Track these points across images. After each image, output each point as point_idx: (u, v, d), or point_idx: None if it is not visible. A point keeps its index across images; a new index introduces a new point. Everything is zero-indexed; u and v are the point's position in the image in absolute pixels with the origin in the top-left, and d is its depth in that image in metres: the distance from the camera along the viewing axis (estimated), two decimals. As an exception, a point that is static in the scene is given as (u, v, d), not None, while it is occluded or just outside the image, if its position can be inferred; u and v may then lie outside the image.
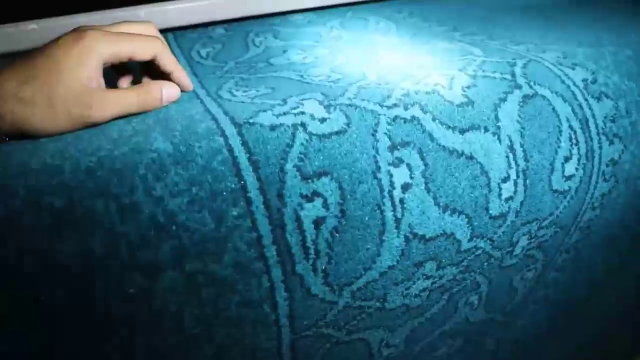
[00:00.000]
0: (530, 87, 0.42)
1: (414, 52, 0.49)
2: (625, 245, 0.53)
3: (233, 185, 0.32)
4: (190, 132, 0.34)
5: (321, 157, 0.35)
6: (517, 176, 0.40)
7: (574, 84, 0.43)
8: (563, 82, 0.43)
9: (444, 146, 0.38)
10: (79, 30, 0.34)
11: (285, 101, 0.38)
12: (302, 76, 0.44)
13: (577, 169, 0.43)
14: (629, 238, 0.52)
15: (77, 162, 0.31)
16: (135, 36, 0.36)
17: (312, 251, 0.35)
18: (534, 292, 0.50)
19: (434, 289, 0.42)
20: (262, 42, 0.56)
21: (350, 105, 0.38)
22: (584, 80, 0.44)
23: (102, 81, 0.34)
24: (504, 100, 0.41)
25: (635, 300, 0.62)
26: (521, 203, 0.41)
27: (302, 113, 0.36)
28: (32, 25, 0.55)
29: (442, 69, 0.44)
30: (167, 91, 0.37)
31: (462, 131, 0.39)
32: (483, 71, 0.43)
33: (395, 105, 0.38)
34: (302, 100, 0.38)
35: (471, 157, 0.38)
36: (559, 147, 0.41)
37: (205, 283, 0.33)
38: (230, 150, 0.33)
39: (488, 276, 0.44)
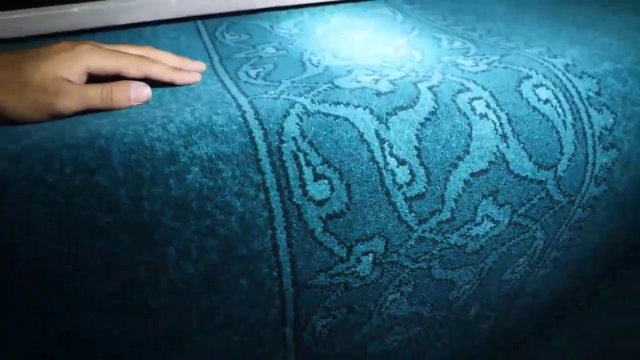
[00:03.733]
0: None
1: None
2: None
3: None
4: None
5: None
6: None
7: (555, 65, 0.45)
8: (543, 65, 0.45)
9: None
10: (76, 40, 0.37)
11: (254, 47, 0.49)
12: (271, 27, 0.55)
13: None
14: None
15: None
16: (125, 56, 0.37)
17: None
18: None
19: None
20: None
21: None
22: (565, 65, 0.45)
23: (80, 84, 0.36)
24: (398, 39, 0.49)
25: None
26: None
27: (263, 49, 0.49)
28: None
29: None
30: (136, 91, 0.36)
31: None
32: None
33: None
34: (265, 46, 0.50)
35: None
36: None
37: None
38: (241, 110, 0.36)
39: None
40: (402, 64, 0.43)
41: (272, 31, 0.54)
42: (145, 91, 0.37)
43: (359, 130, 0.35)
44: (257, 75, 0.41)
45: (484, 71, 0.41)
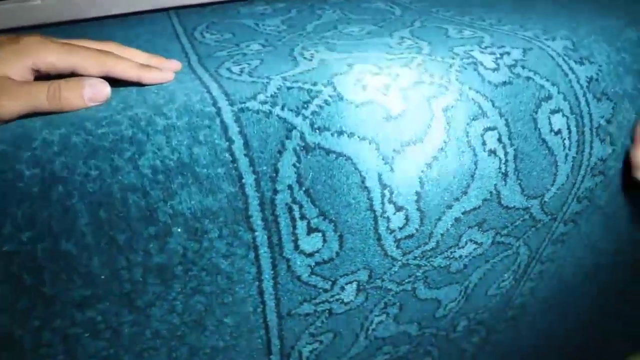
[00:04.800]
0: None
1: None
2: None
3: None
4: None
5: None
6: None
7: (578, 80, 0.41)
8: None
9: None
10: (23, 33, 0.32)
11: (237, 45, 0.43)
12: (257, 25, 0.50)
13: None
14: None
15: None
16: (82, 50, 0.32)
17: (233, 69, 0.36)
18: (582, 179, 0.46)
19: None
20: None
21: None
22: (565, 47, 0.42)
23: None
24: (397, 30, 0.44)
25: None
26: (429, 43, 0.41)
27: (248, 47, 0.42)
28: None
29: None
30: (92, 89, 0.31)
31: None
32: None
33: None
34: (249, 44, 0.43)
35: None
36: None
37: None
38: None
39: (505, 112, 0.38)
40: (411, 58, 0.37)
41: (257, 29, 0.48)
42: (103, 90, 0.31)
43: (361, 175, 0.33)
44: (242, 71, 0.35)
45: (504, 83, 0.37)
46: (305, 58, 0.37)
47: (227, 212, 0.30)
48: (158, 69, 0.35)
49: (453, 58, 0.38)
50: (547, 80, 0.39)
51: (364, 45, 0.41)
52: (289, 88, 0.33)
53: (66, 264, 0.28)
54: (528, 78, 0.38)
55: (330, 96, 0.33)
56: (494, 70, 0.37)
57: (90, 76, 0.32)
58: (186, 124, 0.30)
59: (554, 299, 0.54)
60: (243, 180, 0.30)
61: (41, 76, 0.31)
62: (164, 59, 0.38)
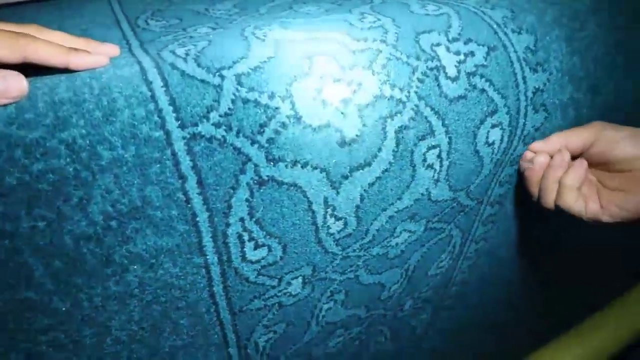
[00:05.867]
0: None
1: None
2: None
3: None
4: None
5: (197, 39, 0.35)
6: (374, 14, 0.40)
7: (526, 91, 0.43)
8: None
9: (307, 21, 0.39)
10: None
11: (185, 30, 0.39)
12: (207, 9, 0.46)
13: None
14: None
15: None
16: None
17: (180, 52, 0.32)
18: (499, 168, 0.47)
19: (362, 104, 0.36)
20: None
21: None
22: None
23: None
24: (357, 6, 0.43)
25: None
26: (393, 21, 0.38)
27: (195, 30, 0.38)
28: None
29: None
30: (3, 83, 0.26)
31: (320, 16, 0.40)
32: None
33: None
34: (197, 27, 0.39)
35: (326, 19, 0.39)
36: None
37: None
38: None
39: (436, 110, 0.38)
40: (376, 53, 0.35)
41: (207, 13, 0.45)
42: (16, 84, 0.26)
43: (308, 200, 0.34)
44: (187, 55, 0.32)
45: (459, 98, 0.38)
46: (257, 38, 0.34)
47: (181, 247, 0.32)
48: (88, 52, 0.30)
49: (418, 58, 0.37)
50: (499, 93, 0.40)
51: (321, 22, 0.38)
52: (244, 102, 0.31)
53: (28, 306, 0.29)
54: (482, 91, 0.39)
55: (287, 117, 0.32)
56: (454, 80, 0.38)
57: (6, 63, 0.27)
58: (134, 156, 0.29)
59: (491, 274, 0.59)
60: (197, 219, 0.31)
61: None
62: (97, 42, 0.33)
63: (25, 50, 0.27)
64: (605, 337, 0.80)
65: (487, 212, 0.50)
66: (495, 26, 0.40)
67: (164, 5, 0.48)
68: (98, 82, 0.29)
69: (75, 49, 0.29)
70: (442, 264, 0.51)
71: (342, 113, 0.34)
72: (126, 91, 0.29)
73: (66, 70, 0.29)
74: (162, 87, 0.30)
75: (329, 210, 0.36)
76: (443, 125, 0.38)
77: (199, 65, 0.31)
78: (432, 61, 0.37)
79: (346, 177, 0.35)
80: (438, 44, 0.38)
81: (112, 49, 0.33)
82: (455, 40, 0.38)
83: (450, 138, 0.38)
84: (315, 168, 0.34)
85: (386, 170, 0.36)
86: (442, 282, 0.54)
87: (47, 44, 0.28)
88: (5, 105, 0.26)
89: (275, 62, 0.32)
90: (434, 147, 0.38)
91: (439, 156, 0.39)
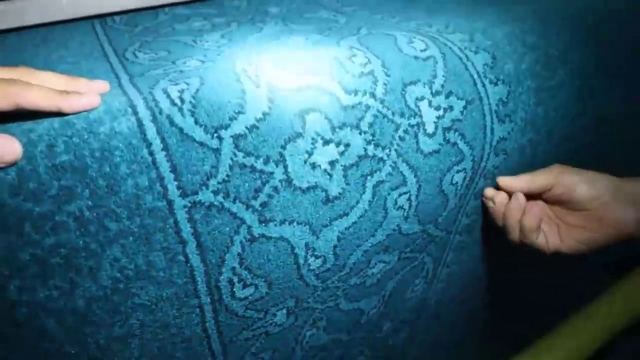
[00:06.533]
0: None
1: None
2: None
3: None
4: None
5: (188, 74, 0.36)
6: (364, 51, 0.41)
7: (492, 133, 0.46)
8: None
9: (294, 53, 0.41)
10: None
11: (174, 62, 0.39)
12: (194, 41, 0.46)
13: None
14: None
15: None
16: None
17: (177, 101, 0.32)
18: (464, 201, 0.52)
19: (346, 164, 0.39)
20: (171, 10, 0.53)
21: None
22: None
23: None
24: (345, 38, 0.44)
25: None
26: (382, 65, 0.40)
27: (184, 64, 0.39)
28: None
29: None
30: None
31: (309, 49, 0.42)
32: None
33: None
34: (186, 60, 0.40)
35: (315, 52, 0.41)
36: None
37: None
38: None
39: (411, 165, 0.42)
40: (365, 109, 0.37)
41: (194, 45, 0.46)
42: (11, 148, 0.26)
43: (292, 247, 0.38)
44: (182, 99, 0.32)
45: (433, 153, 0.42)
46: (251, 80, 0.35)
47: (179, 295, 0.35)
48: (79, 94, 0.30)
49: (402, 115, 0.40)
50: (468, 144, 0.44)
51: (312, 60, 0.39)
52: (241, 167, 0.33)
53: (40, 353, 0.32)
54: (454, 144, 0.43)
55: (280, 181, 0.35)
56: (431, 136, 0.41)
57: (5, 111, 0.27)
58: (139, 227, 0.31)
59: (464, 294, 0.63)
60: (194, 273, 0.35)
61: None
62: (86, 80, 0.33)
63: (17, 98, 0.27)
64: (574, 346, 0.86)
65: (456, 239, 0.54)
66: (475, 76, 0.44)
67: (152, 36, 0.49)
68: (97, 141, 0.29)
69: (67, 92, 0.30)
70: (417, 288, 0.56)
71: (329, 174, 0.37)
72: (127, 156, 0.30)
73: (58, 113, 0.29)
74: (162, 150, 0.31)
75: (310, 252, 0.40)
76: (415, 176, 0.42)
77: (196, 122, 0.32)
78: (415, 118, 0.40)
79: (326, 226, 0.39)
80: (422, 98, 0.41)
81: (102, 86, 0.33)
82: (437, 93, 0.41)
83: (419, 185, 0.43)
84: (300, 223, 0.37)
85: (362, 215, 0.40)
86: (418, 304, 0.58)
87: (39, 90, 0.28)
88: (4, 169, 0.27)
89: (270, 119, 0.34)
90: (405, 193, 0.42)
91: (408, 199, 0.43)
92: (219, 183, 0.33)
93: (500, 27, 0.47)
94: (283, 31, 0.49)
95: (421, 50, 0.42)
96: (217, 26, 0.51)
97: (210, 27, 0.51)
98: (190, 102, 0.33)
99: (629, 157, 0.66)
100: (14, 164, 0.27)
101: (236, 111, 0.33)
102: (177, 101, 0.32)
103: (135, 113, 0.31)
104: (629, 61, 0.56)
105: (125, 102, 0.31)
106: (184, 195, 0.32)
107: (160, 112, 0.32)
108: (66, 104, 0.29)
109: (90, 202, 0.29)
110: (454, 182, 0.45)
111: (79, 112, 0.29)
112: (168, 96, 0.33)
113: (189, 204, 0.32)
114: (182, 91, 0.33)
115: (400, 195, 0.42)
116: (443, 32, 0.46)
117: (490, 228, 0.56)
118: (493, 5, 0.53)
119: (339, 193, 0.38)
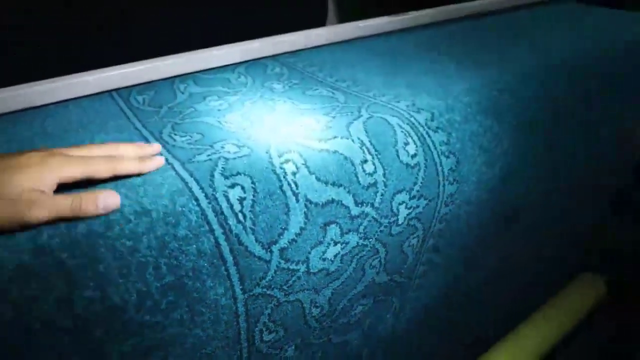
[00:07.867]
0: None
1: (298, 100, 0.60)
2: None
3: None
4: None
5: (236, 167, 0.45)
6: (373, 157, 0.52)
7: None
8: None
9: (317, 149, 0.50)
10: (47, 149, 0.39)
11: (212, 146, 0.48)
12: (220, 122, 0.54)
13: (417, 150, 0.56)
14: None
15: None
16: (94, 160, 0.39)
17: (241, 217, 0.43)
18: (420, 255, 0.65)
19: (344, 254, 0.53)
20: (186, 89, 0.61)
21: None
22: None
23: (51, 194, 0.36)
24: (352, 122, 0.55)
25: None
26: (383, 175, 0.52)
27: (223, 148, 0.48)
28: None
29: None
30: (104, 201, 0.37)
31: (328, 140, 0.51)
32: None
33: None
34: (223, 144, 0.49)
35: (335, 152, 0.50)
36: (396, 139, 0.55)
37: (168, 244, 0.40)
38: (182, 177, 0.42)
39: (383, 243, 0.57)
40: (364, 217, 0.52)
41: (221, 127, 0.52)
42: (114, 200, 0.38)
43: (302, 304, 0.53)
44: (244, 217, 0.43)
45: (399, 233, 0.57)
46: (292, 191, 0.46)
47: (229, 344, 0.50)
48: (150, 159, 0.43)
49: (387, 217, 0.55)
50: (422, 223, 0.60)
51: (335, 164, 0.49)
52: (281, 270, 0.47)
53: None
54: (414, 226, 0.59)
55: (302, 272, 0.50)
56: (400, 225, 0.57)
57: (103, 179, 0.39)
58: (215, 315, 0.45)
59: (424, 322, 0.80)
60: (240, 329, 0.49)
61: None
62: (147, 145, 0.46)
63: (115, 168, 0.40)
64: (533, 343, 1.00)
65: (416, 282, 0.70)
66: (441, 178, 0.57)
67: (178, 118, 0.55)
68: (188, 261, 0.41)
69: (142, 158, 0.42)
70: (388, 321, 0.72)
71: (332, 261, 0.52)
72: (210, 271, 0.43)
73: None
74: (234, 265, 0.43)
75: (313, 305, 0.56)
76: (384, 248, 0.58)
77: (256, 240, 0.44)
78: (393, 217, 0.55)
79: (325, 287, 0.55)
80: (402, 202, 0.55)
81: (157, 148, 0.46)
82: (413, 198, 0.55)
83: (387, 251, 0.59)
84: (309, 290, 0.53)
85: (348, 277, 0.57)
86: (389, 332, 0.75)
87: (127, 162, 0.41)
88: None
89: (305, 233, 0.47)
90: (377, 258, 0.59)
91: (379, 261, 0.59)
92: (266, 282, 0.47)
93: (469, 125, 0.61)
94: (293, 111, 0.57)
95: (412, 156, 0.54)
96: (233, 105, 0.58)
97: (227, 106, 0.58)
98: (251, 218, 0.44)
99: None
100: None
101: (283, 227, 0.46)
102: (241, 217, 0.43)
103: (212, 231, 0.42)
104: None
105: (201, 218, 0.41)
106: (244, 291, 0.45)
107: (231, 232, 0.43)
108: (146, 168, 0.42)
109: (187, 309, 0.42)
110: (411, 244, 0.62)
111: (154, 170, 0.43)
112: (232, 208, 0.43)
113: (247, 297, 0.46)
114: (241, 200, 0.43)
115: (374, 260, 0.59)
116: (429, 123, 0.58)
117: (441, 272, 0.73)
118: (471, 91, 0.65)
119: (335, 269, 0.54)
